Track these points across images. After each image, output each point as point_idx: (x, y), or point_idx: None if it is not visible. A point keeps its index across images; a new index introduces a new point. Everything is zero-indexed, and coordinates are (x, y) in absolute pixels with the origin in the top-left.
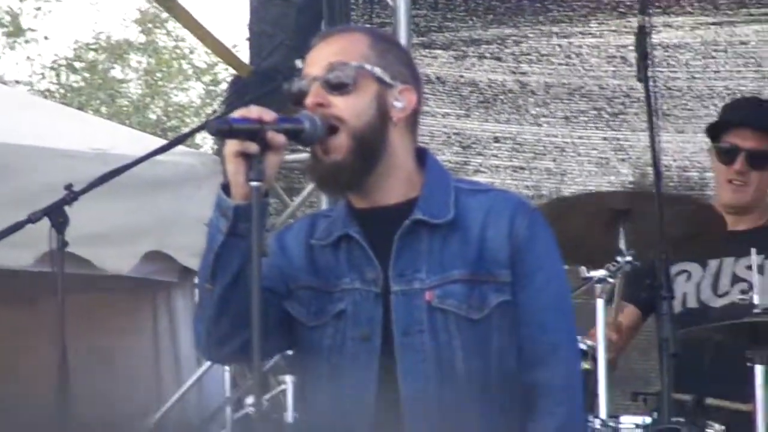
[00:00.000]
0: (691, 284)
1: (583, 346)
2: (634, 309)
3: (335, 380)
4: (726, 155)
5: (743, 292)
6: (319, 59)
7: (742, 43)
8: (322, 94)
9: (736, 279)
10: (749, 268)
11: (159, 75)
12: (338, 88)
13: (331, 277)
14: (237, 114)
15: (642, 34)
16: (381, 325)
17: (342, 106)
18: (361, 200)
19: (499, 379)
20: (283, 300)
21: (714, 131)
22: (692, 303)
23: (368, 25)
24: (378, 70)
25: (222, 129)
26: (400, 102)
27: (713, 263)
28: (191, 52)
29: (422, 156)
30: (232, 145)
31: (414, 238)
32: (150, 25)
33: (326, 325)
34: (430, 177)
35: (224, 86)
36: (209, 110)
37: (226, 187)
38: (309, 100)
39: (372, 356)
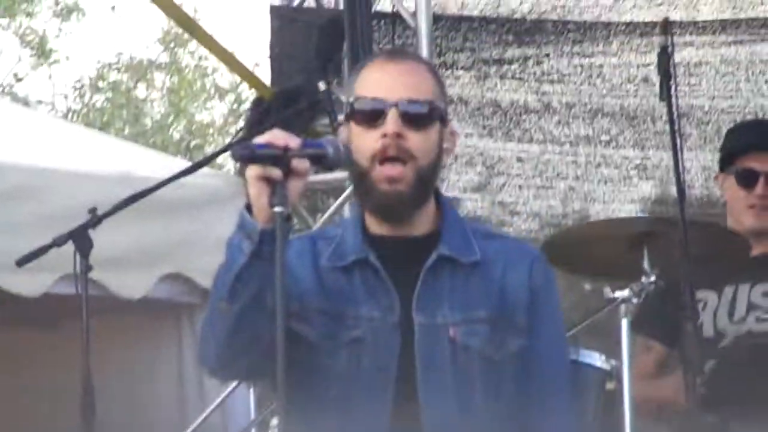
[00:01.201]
0: (707, 313)
1: (607, 366)
2: (659, 347)
3: (346, 407)
4: (745, 180)
5: (759, 320)
6: (395, 86)
7: (762, 61)
8: (399, 124)
9: (751, 306)
10: (765, 294)
11: (182, 94)
12: (415, 121)
13: (344, 302)
14: (261, 139)
15: (664, 54)
16: (398, 356)
17: (416, 141)
18: (381, 227)
19: (513, 424)
20: (291, 321)
21: (725, 158)
22: (708, 332)
23: (388, 47)
24: (443, 110)
25: (245, 155)
26: (450, 142)
27: (728, 290)
28: (214, 71)
29: (437, 192)
30: (255, 170)
31: (437, 274)
32: (173, 45)
33: (339, 350)
34: (447, 214)
35: (246, 106)
36: (232, 129)
37: (249, 209)
38: (389, 129)
39: (387, 386)
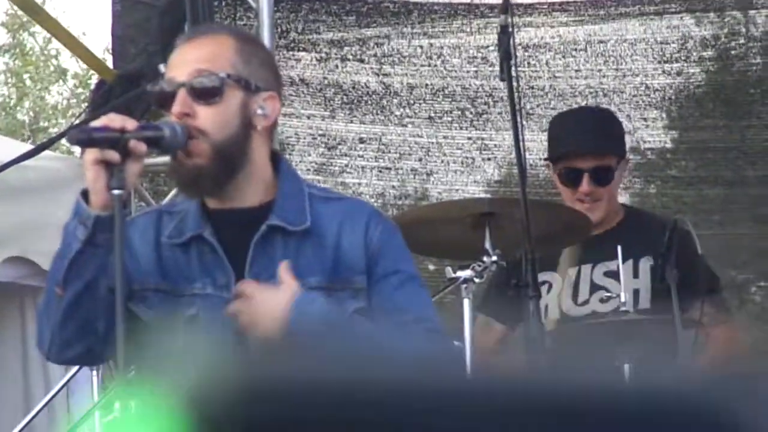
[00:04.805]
0: (552, 295)
1: None
2: (500, 326)
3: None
4: (569, 179)
5: (602, 300)
6: (185, 63)
7: (601, 42)
8: (188, 102)
9: (594, 287)
10: (606, 274)
11: (27, 76)
12: (204, 96)
13: (181, 279)
14: (98, 123)
15: (505, 34)
16: (234, 330)
17: (207, 117)
18: (215, 201)
19: None
20: (129, 301)
21: (551, 154)
22: (554, 314)
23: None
24: (244, 78)
25: (82, 139)
26: (264, 110)
27: (572, 272)
28: (59, 54)
29: (276, 160)
30: (91, 154)
31: (269, 244)
32: (16, 27)
33: (176, 329)
34: (284, 182)
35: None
36: (76, 112)
37: (86, 195)
38: (175, 109)
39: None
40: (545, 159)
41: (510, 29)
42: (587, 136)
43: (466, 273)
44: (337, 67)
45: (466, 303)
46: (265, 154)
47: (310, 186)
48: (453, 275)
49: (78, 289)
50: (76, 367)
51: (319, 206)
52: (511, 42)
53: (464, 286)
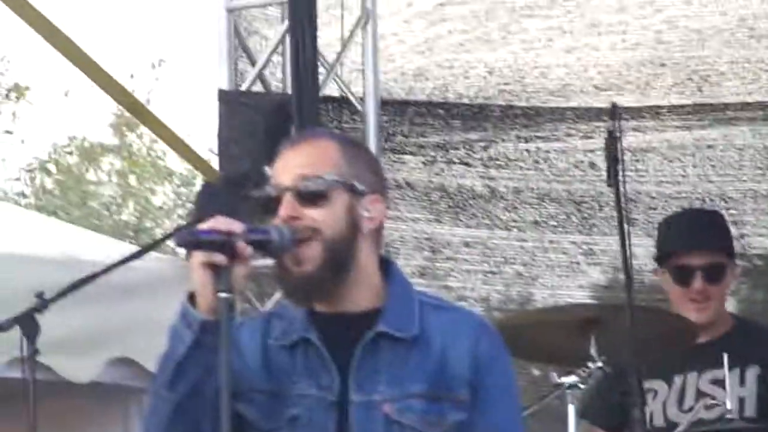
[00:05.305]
0: (657, 402)
1: None
2: None
3: None
4: (682, 277)
5: (707, 407)
6: (290, 168)
7: (708, 146)
8: (294, 206)
9: (700, 394)
10: (712, 382)
11: (132, 177)
12: (311, 199)
13: (286, 381)
14: (205, 225)
15: (612, 139)
16: None
17: (315, 217)
18: (323, 305)
19: None
20: (235, 402)
21: (661, 254)
22: (659, 422)
23: (337, 131)
24: (349, 182)
25: (190, 241)
26: (370, 212)
27: (678, 379)
28: (165, 155)
29: (386, 265)
30: (199, 257)
31: (375, 350)
32: (124, 128)
33: (279, 430)
34: (394, 288)
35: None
36: (181, 212)
37: (192, 297)
38: (282, 213)
39: None
40: (655, 260)
41: (617, 133)
42: (701, 233)
43: (570, 379)
44: (442, 170)
45: (571, 409)
46: (373, 258)
47: (421, 294)
48: (558, 381)
49: (185, 391)
50: None
51: (430, 314)
52: (618, 146)
53: (569, 392)
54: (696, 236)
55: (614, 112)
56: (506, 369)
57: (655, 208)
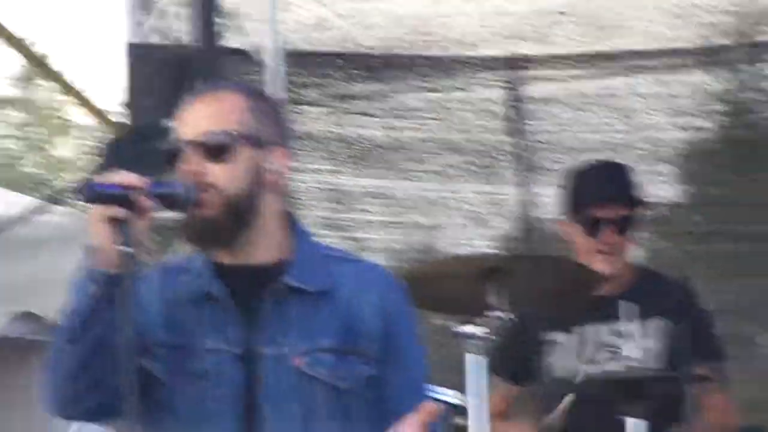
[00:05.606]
0: (559, 354)
1: (456, 401)
2: (508, 385)
3: None
4: (592, 228)
5: (611, 358)
6: (195, 121)
7: (612, 96)
8: (197, 160)
9: (603, 345)
10: (615, 333)
11: (35, 130)
12: (214, 153)
13: (192, 335)
14: (107, 179)
15: (511, 89)
16: (244, 387)
17: (218, 173)
18: (226, 256)
19: None
20: (140, 356)
21: (570, 207)
22: (561, 372)
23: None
24: (254, 135)
25: (91, 195)
26: (274, 166)
27: (580, 330)
28: (66, 108)
29: (290, 218)
30: (100, 210)
31: (284, 303)
32: (26, 82)
33: (185, 385)
34: (298, 241)
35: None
36: (83, 165)
37: (94, 251)
38: (185, 167)
39: (234, 418)
40: (563, 211)
41: (516, 83)
42: (612, 186)
43: (470, 328)
44: (345, 121)
45: (469, 358)
46: (277, 210)
47: (325, 247)
48: (457, 330)
49: (88, 345)
50: (80, 424)
51: (335, 268)
52: (518, 96)
53: (469, 341)
54: (608, 189)
55: (514, 62)
56: (413, 322)
57: (558, 158)
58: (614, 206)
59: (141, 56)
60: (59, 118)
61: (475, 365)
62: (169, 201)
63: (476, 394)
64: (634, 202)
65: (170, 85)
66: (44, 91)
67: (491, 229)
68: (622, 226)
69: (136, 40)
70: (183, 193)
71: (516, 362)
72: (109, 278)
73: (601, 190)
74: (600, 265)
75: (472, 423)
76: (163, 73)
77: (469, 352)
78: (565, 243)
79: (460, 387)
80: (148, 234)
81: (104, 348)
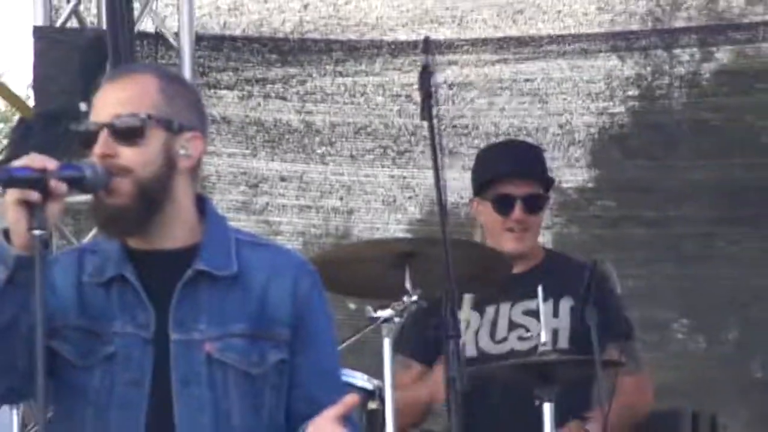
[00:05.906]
0: (469, 333)
1: (369, 386)
2: (418, 366)
3: (103, 425)
4: (502, 206)
5: (521, 338)
6: (108, 103)
7: (526, 80)
8: (109, 143)
9: (513, 325)
10: (525, 313)
11: None
12: (126, 136)
13: (102, 319)
14: (18, 162)
15: (426, 73)
16: (152, 372)
17: (129, 156)
18: (138, 241)
19: None
20: (50, 339)
21: (480, 184)
22: (471, 351)
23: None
24: (167, 119)
25: (2, 179)
26: (187, 150)
27: (490, 310)
28: None
29: (202, 202)
30: (12, 194)
31: (195, 288)
32: None
33: (94, 367)
34: (210, 226)
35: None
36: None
37: (6, 234)
38: (96, 150)
39: (142, 402)
40: (474, 190)
41: (431, 68)
42: (522, 163)
43: (386, 313)
44: (259, 105)
45: (386, 342)
46: (190, 195)
47: (237, 231)
48: (373, 315)
49: None
50: None
51: (247, 252)
52: (432, 80)
53: (384, 325)
54: (517, 165)
55: (428, 46)
56: (325, 308)
57: (472, 142)
58: (522, 183)
59: (49, 39)
60: None
61: (391, 349)
62: (78, 184)
63: (392, 377)
64: (544, 181)
65: (82, 69)
66: None
67: (406, 213)
68: (531, 204)
69: (43, 23)
70: (91, 176)
71: (427, 342)
72: (21, 261)
73: (509, 165)
74: (509, 243)
75: (388, 407)
76: (74, 57)
77: (386, 336)
78: (477, 226)
79: (370, 370)
80: (60, 217)
81: (15, 331)
